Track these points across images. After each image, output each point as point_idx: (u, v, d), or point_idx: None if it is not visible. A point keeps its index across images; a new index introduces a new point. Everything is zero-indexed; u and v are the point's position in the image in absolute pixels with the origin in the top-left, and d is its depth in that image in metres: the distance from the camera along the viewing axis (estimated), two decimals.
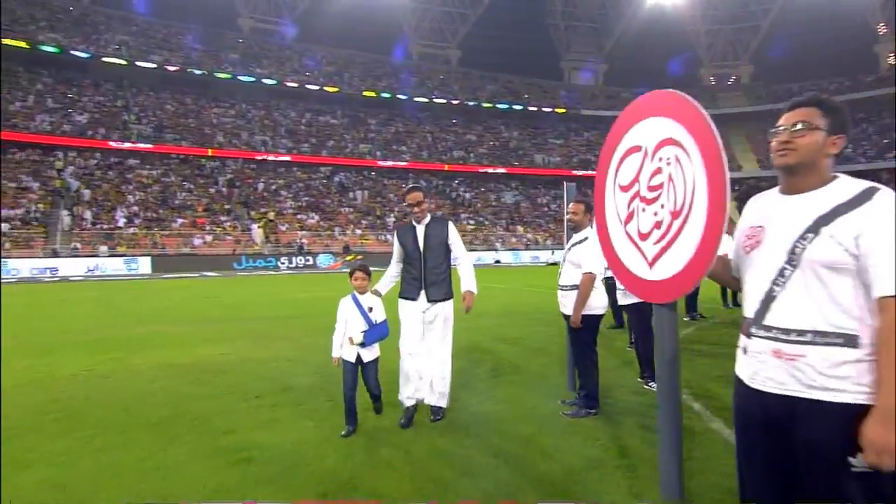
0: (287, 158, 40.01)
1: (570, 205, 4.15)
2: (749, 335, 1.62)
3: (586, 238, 3.86)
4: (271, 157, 39.44)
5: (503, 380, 5.11)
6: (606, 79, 59.58)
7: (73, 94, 36.69)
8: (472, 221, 39.62)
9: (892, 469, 1.35)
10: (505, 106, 52.07)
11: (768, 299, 1.57)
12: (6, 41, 34.60)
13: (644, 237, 2.29)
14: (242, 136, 40.25)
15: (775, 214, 1.61)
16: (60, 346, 7.17)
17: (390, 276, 4.03)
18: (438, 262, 3.83)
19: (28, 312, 11.35)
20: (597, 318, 3.91)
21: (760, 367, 1.58)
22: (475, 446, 3.42)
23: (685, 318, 8.33)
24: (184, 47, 43.43)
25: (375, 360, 3.77)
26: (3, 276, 22.08)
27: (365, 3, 50.09)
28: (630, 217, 2.42)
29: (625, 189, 2.46)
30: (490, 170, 46.27)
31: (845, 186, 1.53)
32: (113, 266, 24.97)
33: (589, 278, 3.74)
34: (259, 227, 31.63)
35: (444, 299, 3.83)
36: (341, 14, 49.78)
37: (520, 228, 40.27)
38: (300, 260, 28.68)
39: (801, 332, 1.50)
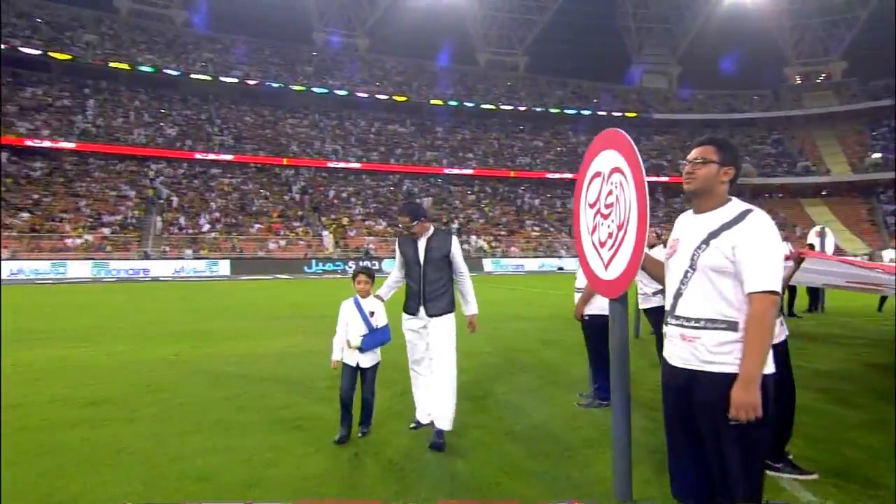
0: (357, 166, 41.80)
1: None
2: (666, 323, 2.08)
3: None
4: (342, 166, 41.36)
5: (531, 374, 5.62)
6: (680, 81, 57.85)
7: (164, 109, 40.19)
8: (536, 228, 39.72)
9: (752, 420, 1.78)
10: (573, 111, 51.74)
11: (677, 295, 2.03)
12: (113, 64, 38.52)
13: (602, 245, 2.77)
14: (315, 146, 42.46)
15: (686, 230, 2.08)
16: (152, 336, 8.31)
17: (391, 282, 4.02)
18: (438, 276, 3.75)
19: (125, 307, 12.90)
20: (606, 318, 4.06)
21: (674, 347, 2.04)
22: (491, 426, 3.94)
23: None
24: (262, 62, 46.40)
25: (375, 366, 3.77)
26: (102, 277, 24.67)
27: (433, 14, 51.43)
28: (594, 229, 2.88)
29: (591, 206, 2.91)
30: (557, 176, 46.12)
31: (732, 208, 1.99)
32: (196, 268, 27.21)
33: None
34: (329, 232, 33.33)
35: (443, 313, 3.75)
36: (410, 24, 51.37)
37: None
38: (367, 264, 29.97)
39: (698, 320, 1.96)
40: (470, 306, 3.89)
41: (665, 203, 44.79)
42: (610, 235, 2.69)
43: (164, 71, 40.63)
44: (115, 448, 3.52)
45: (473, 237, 36.45)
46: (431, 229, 3.86)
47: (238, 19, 47.85)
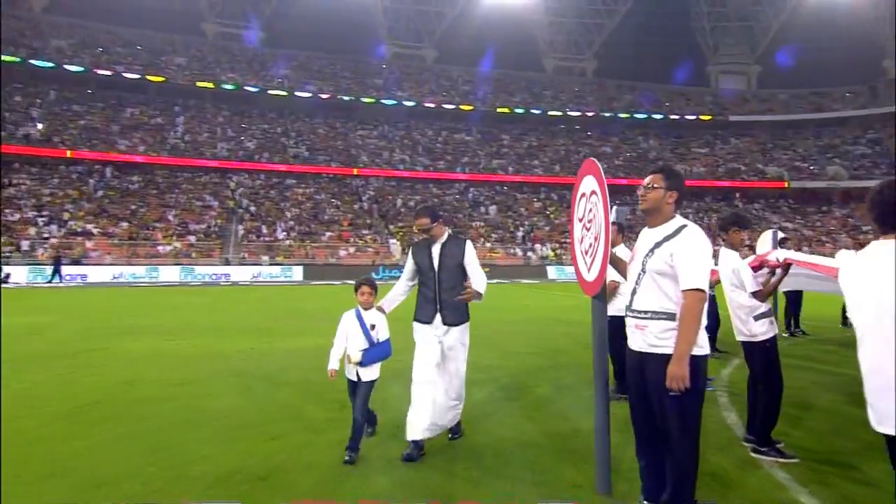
0: (424, 175, 43.06)
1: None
2: (626, 315, 2.60)
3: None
4: (409, 175, 42.74)
5: (564, 372, 6.09)
6: (759, 81, 55.26)
7: (245, 124, 43.19)
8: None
9: (682, 389, 2.28)
10: (643, 115, 50.73)
11: (633, 293, 2.56)
12: (199, 84, 41.98)
13: (585, 253, 3.27)
14: (384, 156, 44.13)
15: (642, 241, 2.61)
16: (232, 332, 9.42)
17: (396, 294, 3.94)
18: (454, 283, 3.69)
19: (209, 307, 14.34)
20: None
21: (632, 335, 2.56)
22: (517, 411, 4.49)
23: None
24: (334, 76, 48.82)
25: (371, 383, 3.67)
26: (189, 281, 26.98)
27: (501, 23, 52.16)
28: (582, 239, 3.35)
29: (580, 220, 3.37)
30: (625, 182, 45.34)
31: (673, 224, 2.52)
32: (272, 273, 29.14)
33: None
34: (397, 240, 34.62)
35: (460, 322, 3.73)
36: (477, 35, 52.33)
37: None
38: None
39: (646, 312, 2.48)
40: (480, 285, 3.70)
41: (743, 208, 42.94)
42: (591, 245, 3.19)
43: (245, 88, 43.71)
44: (203, 417, 4.37)
45: (538, 245, 36.61)
46: (446, 234, 3.84)
47: (312, 36, 50.54)
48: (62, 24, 42.35)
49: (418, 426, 3.55)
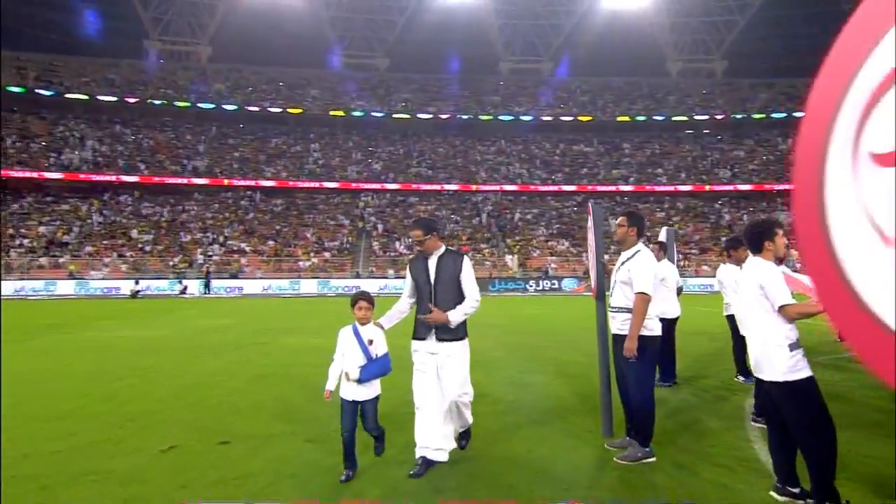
0: (541, 189, 44.05)
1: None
2: (608, 310, 3.89)
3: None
4: (526, 189, 43.96)
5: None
6: None
7: (371, 147, 47.24)
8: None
9: (634, 357, 3.55)
10: (782, 115, 47.42)
11: (611, 295, 3.82)
12: (332, 112, 46.82)
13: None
14: (502, 171, 45.81)
15: (618, 261, 3.86)
16: None
17: (397, 310, 3.99)
18: (450, 297, 3.71)
19: (344, 313, 16.71)
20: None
21: (611, 322, 3.83)
22: (534, 404, 5.69)
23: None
24: (453, 96, 51.59)
25: (375, 399, 3.66)
26: (325, 292, 30.40)
27: (620, 29, 51.82)
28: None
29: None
30: (755, 189, 42.79)
31: (634, 250, 3.86)
32: (397, 285, 31.72)
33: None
34: (514, 254, 35.94)
35: (455, 339, 3.74)
36: (595, 43, 52.44)
37: (794, 252, 36.31)
38: (546, 283, 31.81)
39: (618, 308, 3.79)
40: (454, 311, 3.68)
41: None
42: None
43: (371, 114, 47.85)
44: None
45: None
46: (443, 248, 3.84)
47: (431, 60, 53.81)
48: (221, 70, 49.51)
49: (421, 443, 3.73)
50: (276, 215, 39.24)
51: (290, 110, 46.62)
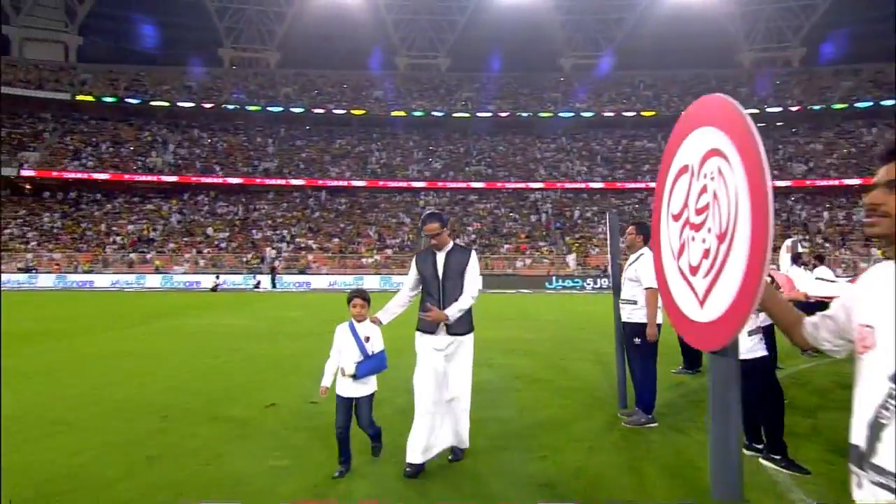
0: (601, 186, 44.06)
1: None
2: (618, 302, 4.84)
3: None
4: (587, 186, 44.10)
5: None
6: None
7: (432, 146, 48.64)
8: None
9: (655, 339, 4.52)
10: (867, 103, 45.12)
11: (623, 288, 4.77)
12: (393, 113, 48.58)
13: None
14: (561, 168, 46.12)
15: (626, 263, 4.81)
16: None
17: (396, 304, 4.02)
18: (458, 293, 3.81)
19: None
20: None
21: (621, 312, 4.76)
22: (547, 396, 6.61)
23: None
24: (513, 94, 52.19)
25: (370, 396, 3.72)
26: (387, 288, 32.00)
27: (686, 21, 50.82)
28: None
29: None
30: (837, 183, 41.07)
31: (640, 252, 4.75)
32: None
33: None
34: (573, 251, 36.37)
35: (464, 333, 3.86)
36: (659, 36, 51.66)
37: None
38: (604, 282, 32.09)
39: (626, 300, 4.75)
40: (450, 308, 3.76)
41: None
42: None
43: (432, 114, 49.24)
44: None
45: None
46: (451, 244, 3.95)
47: (492, 58, 54.52)
48: (289, 74, 52.30)
49: (417, 448, 3.68)
50: (341, 214, 41.33)
51: (353, 111, 48.68)
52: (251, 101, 48.05)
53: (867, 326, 1.29)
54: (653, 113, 48.68)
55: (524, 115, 49.64)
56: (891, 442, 1.16)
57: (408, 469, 3.66)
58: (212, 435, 4.61)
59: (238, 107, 47.65)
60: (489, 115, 49.50)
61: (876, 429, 1.21)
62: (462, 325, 3.83)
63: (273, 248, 35.83)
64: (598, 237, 38.58)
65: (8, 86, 40.78)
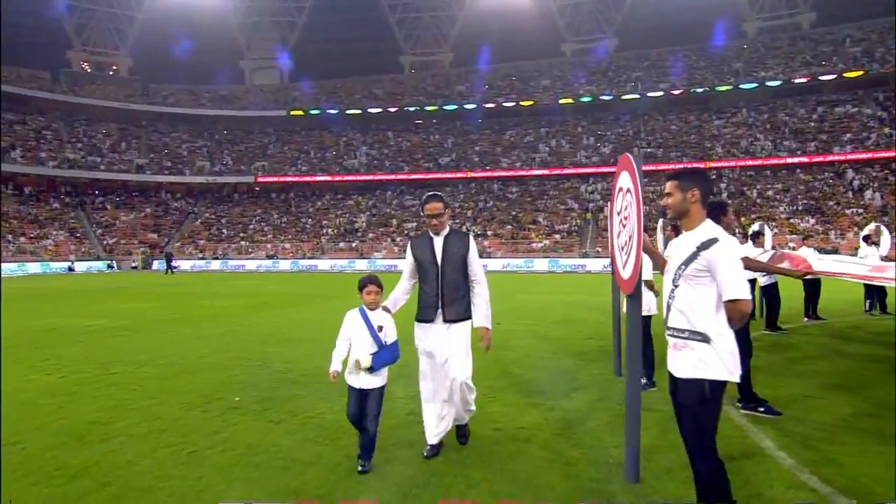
0: (789, 161, 42.73)
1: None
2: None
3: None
4: (770, 162, 43.17)
5: None
6: None
7: (600, 131, 51.09)
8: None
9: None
10: None
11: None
12: (561, 101, 52.02)
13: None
14: (741, 144, 45.54)
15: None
16: (571, 295, 16.65)
17: (399, 293, 4.06)
18: (457, 277, 3.86)
19: (567, 286, 22.12)
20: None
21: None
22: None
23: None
24: (688, 69, 52.07)
25: (381, 388, 3.72)
26: (555, 270, 36.06)
27: None
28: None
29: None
30: None
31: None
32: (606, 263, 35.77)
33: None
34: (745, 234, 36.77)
35: (462, 319, 3.87)
36: None
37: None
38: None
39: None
40: (481, 316, 3.88)
41: None
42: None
43: (600, 98, 51.64)
44: (544, 338, 11.54)
45: None
46: (448, 228, 3.95)
47: (663, 33, 54.69)
48: (461, 73, 58.43)
49: (431, 432, 3.93)
50: (512, 202, 46.20)
51: (522, 103, 53.02)
52: (429, 101, 54.91)
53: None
54: (860, 73, 45.20)
55: (699, 90, 49.55)
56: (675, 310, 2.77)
57: (425, 451, 3.93)
58: None
59: (418, 108, 54.86)
60: (660, 94, 50.31)
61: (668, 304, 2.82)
62: (460, 311, 3.89)
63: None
64: (778, 217, 38.06)
65: (244, 109, 53.14)
